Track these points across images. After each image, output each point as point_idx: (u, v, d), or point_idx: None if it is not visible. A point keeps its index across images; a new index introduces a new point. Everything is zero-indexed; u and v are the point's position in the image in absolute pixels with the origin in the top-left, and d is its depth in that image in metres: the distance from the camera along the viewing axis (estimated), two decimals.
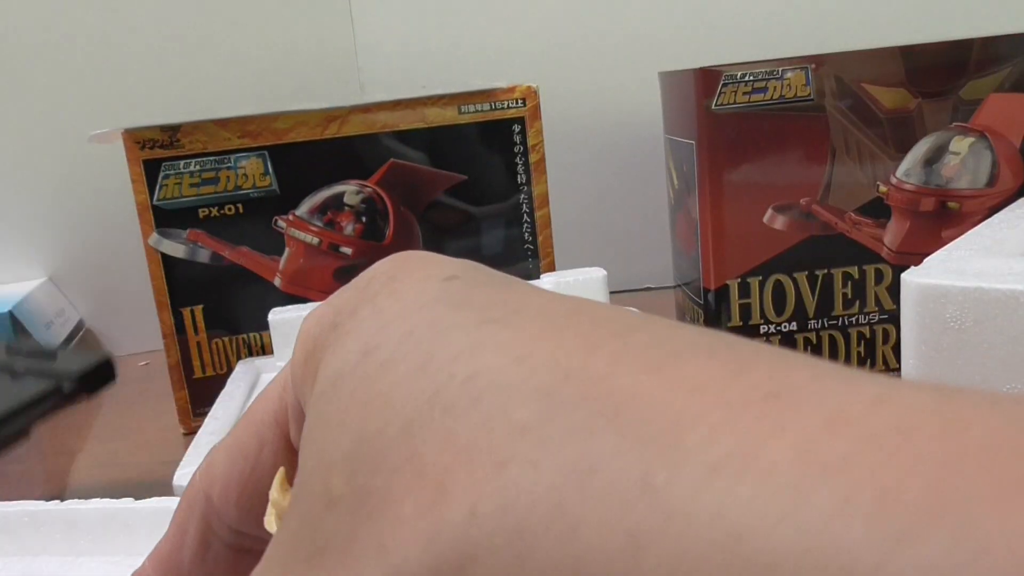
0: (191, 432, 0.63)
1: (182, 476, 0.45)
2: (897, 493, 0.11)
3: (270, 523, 0.20)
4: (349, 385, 0.17)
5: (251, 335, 0.64)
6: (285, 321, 0.59)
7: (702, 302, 0.60)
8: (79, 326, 0.83)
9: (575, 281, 0.60)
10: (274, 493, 0.20)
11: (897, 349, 0.59)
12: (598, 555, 0.12)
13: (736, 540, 0.11)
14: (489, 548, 0.13)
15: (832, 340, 0.59)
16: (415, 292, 0.17)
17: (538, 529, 0.13)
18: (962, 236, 0.44)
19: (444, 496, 0.14)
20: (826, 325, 0.59)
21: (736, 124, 0.56)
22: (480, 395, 0.15)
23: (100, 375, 0.54)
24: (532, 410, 0.14)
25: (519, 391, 0.14)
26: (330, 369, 0.17)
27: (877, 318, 0.59)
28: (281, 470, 0.21)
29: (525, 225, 0.65)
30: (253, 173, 0.62)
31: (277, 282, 0.63)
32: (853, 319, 0.59)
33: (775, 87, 0.56)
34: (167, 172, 0.61)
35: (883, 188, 0.57)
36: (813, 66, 0.56)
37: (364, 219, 0.63)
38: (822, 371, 0.13)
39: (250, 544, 0.22)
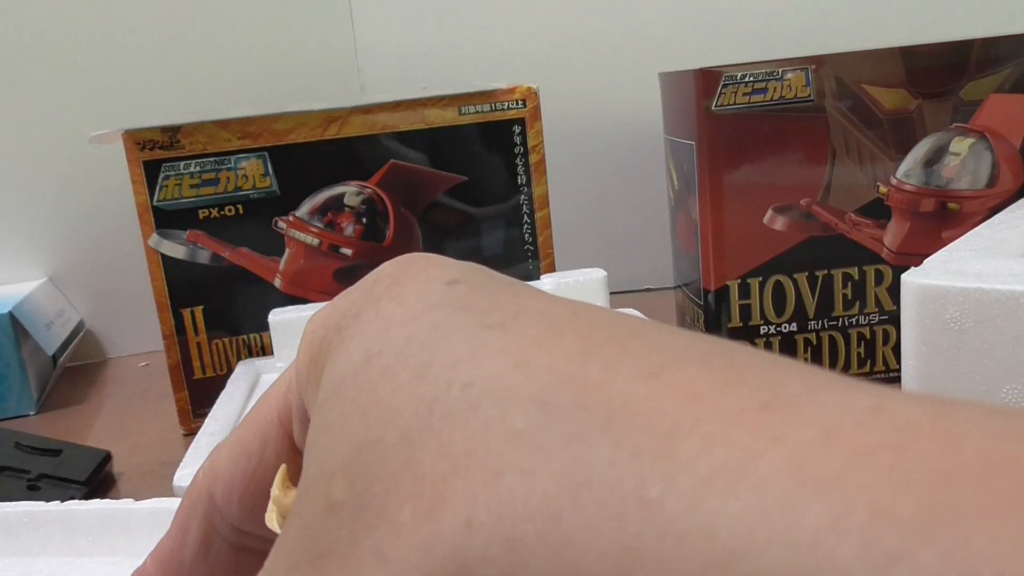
0: (191, 433, 0.63)
1: (182, 477, 0.45)
2: (889, 511, 0.11)
3: (271, 521, 0.20)
4: (351, 391, 0.17)
5: (251, 336, 0.64)
6: (285, 322, 0.59)
7: (702, 303, 0.60)
8: (79, 327, 0.83)
9: (575, 282, 0.60)
10: (276, 491, 0.20)
11: (897, 350, 0.59)
12: (591, 569, 0.12)
13: (729, 558, 0.11)
14: (484, 559, 0.13)
15: (832, 341, 0.59)
16: (418, 296, 0.18)
17: (533, 540, 0.13)
18: (962, 237, 0.44)
19: (442, 505, 0.14)
20: (826, 326, 0.59)
21: (736, 125, 0.56)
22: (478, 402, 0.15)
23: (100, 470, 0.54)
24: (528, 418, 0.14)
25: (516, 398, 0.14)
26: (334, 374, 0.17)
27: (877, 319, 0.59)
28: (283, 468, 0.21)
29: (525, 226, 0.65)
30: (253, 174, 0.62)
31: (277, 283, 0.63)
32: (853, 320, 0.59)
33: (775, 88, 0.56)
34: (167, 173, 0.61)
35: (883, 189, 0.57)
36: (813, 67, 0.56)
37: (364, 220, 0.63)
38: (817, 381, 0.13)
39: (252, 543, 0.22)
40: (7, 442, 0.53)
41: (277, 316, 0.59)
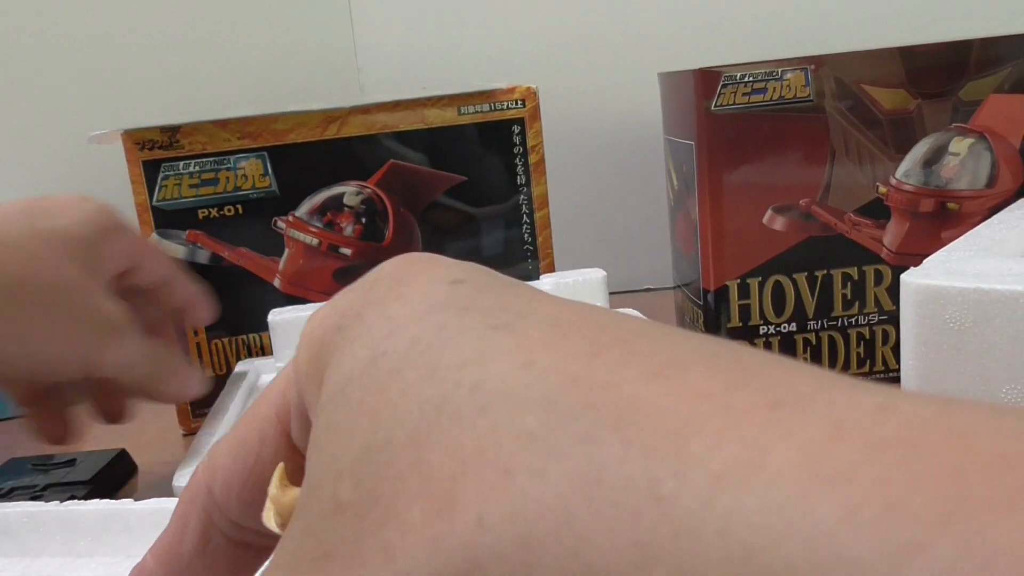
0: (191, 433, 0.63)
1: (182, 477, 0.45)
2: (903, 503, 0.11)
3: (268, 519, 0.20)
4: (357, 393, 0.17)
5: (251, 336, 0.64)
6: (285, 322, 0.59)
7: (702, 303, 0.60)
8: None
9: (574, 282, 0.60)
10: (273, 489, 0.20)
11: (897, 350, 0.59)
12: (606, 566, 0.12)
13: (745, 553, 0.11)
14: (496, 556, 0.13)
15: (832, 341, 0.59)
16: (422, 295, 0.18)
17: (546, 539, 0.13)
18: (961, 237, 0.44)
19: (452, 504, 0.14)
20: (825, 326, 0.59)
21: (736, 125, 0.56)
22: (487, 404, 0.15)
23: (119, 469, 0.54)
24: (538, 419, 0.14)
25: (525, 399, 0.15)
26: (338, 375, 0.17)
27: (876, 319, 0.59)
28: (280, 466, 0.21)
29: (525, 226, 0.65)
30: (252, 174, 0.62)
31: (277, 283, 0.63)
32: (852, 320, 0.59)
33: (775, 88, 0.56)
34: (167, 173, 0.61)
35: (883, 189, 0.57)
36: (813, 67, 0.56)
37: (364, 220, 0.63)
38: (825, 381, 0.14)
39: (250, 538, 0.22)
40: (22, 466, 0.53)
41: (277, 316, 0.59)
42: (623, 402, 0.14)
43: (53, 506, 0.42)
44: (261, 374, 0.61)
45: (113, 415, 0.51)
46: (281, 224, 0.63)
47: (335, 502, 0.16)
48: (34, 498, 0.48)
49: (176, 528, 0.22)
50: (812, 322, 0.59)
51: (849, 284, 0.58)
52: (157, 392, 0.49)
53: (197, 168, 0.61)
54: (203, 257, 0.62)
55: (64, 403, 0.49)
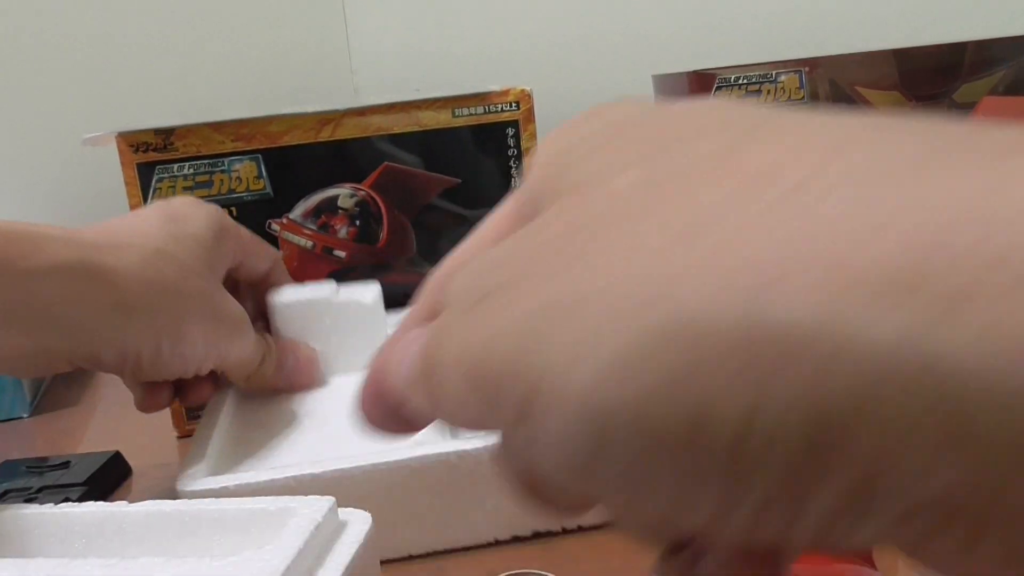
0: (185, 435, 0.62)
1: (185, 479, 0.45)
2: None
3: None
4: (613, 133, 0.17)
5: None
6: (284, 304, 0.56)
7: None
8: None
9: None
10: None
11: None
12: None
13: None
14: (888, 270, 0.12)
15: None
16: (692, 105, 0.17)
17: (953, 232, 0.12)
18: None
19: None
20: None
21: None
22: (796, 182, 0.13)
23: (114, 471, 0.54)
24: (917, 144, 0.13)
25: (885, 146, 0.14)
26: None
27: None
28: None
29: None
30: (247, 176, 0.62)
31: None
32: None
33: (769, 90, 0.56)
34: (161, 175, 0.61)
35: None
36: (807, 69, 0.56)
37: (358, 222, 0.63)
38: None
39: None
40: (16, 469, 0.53)
41: (276, 298, 0.56)
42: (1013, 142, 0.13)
43: (47, 508, 0.42)
44: None
45: (199, 404, 0.54)
46: (275, 226, 0.63)
47: (552, 234, 0.15)
48: (28, 500, 0.48)
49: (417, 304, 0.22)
50: None
51: None
52: (265, 382, 0.53)
53: (191, 170, 0.61)
54: None
55: (170, 395, 0.52)
